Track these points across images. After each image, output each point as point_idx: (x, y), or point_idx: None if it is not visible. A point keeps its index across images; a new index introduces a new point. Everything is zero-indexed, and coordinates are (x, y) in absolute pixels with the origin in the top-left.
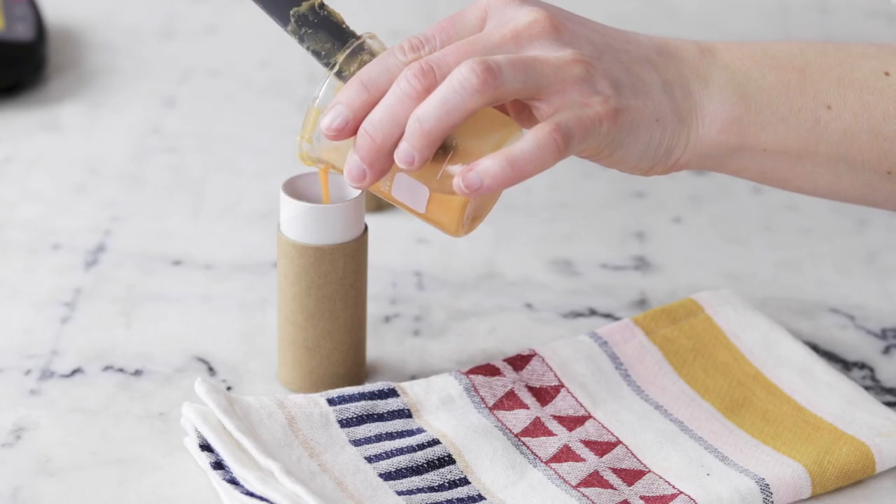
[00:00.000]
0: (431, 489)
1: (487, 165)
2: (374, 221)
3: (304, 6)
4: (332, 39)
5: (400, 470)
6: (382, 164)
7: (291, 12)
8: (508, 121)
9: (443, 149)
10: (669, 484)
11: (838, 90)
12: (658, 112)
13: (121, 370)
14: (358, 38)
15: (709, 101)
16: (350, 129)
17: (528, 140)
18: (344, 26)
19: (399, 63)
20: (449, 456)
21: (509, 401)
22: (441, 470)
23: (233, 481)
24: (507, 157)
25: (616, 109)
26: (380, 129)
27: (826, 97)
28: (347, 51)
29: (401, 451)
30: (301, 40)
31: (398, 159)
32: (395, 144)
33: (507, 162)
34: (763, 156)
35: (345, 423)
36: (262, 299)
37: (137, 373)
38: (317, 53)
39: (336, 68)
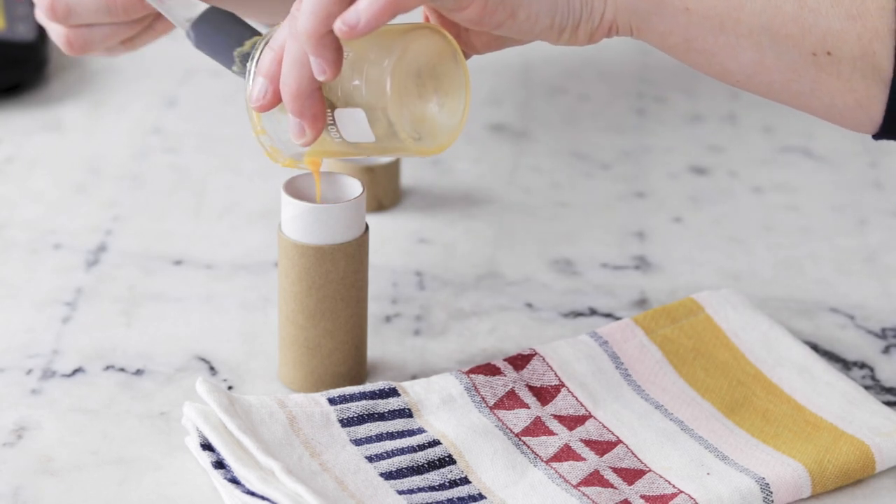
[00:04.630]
0: (432, 488)
1: (362, 2)
2: (374, 221)
3: (247, 44)
4: None
5: (401, 469)
6: (311, 108)
7: (235, 53)
8: (411, 26)
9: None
10: (670, 483)
11: None
12: None
13: (122, 370)
14: None
15: None
16: (273, 95)
17: None
18: None
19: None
20: (449, 456)
21: (510, 400)
22: (442, 470)
23: (234, 481)
24: None
25: None
26: (290, 75)
27: None
28: (266, 39)
29: (401, 451)
30: (249, 75)
31: (317, 77)
32: (311, 83)
33: None
34: (686, 17)
35: (346, 423)
36: (262, 299)
37: (138, 372)
38: None
39: (258, 53)
